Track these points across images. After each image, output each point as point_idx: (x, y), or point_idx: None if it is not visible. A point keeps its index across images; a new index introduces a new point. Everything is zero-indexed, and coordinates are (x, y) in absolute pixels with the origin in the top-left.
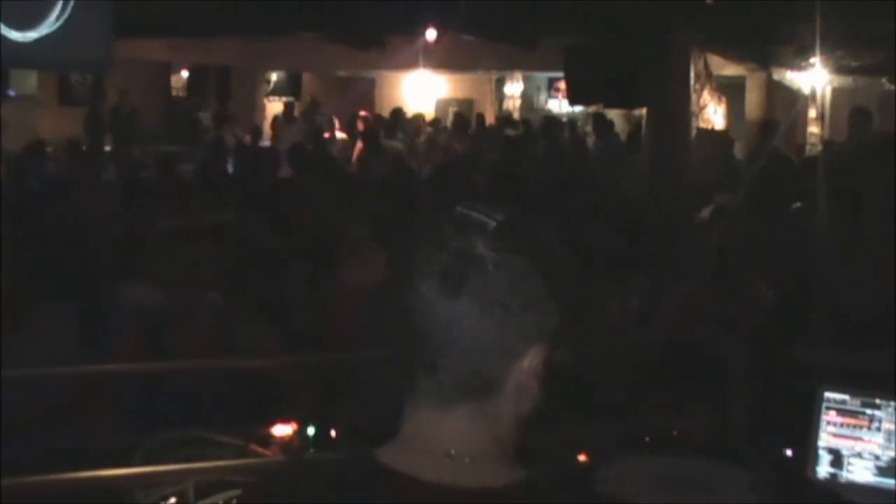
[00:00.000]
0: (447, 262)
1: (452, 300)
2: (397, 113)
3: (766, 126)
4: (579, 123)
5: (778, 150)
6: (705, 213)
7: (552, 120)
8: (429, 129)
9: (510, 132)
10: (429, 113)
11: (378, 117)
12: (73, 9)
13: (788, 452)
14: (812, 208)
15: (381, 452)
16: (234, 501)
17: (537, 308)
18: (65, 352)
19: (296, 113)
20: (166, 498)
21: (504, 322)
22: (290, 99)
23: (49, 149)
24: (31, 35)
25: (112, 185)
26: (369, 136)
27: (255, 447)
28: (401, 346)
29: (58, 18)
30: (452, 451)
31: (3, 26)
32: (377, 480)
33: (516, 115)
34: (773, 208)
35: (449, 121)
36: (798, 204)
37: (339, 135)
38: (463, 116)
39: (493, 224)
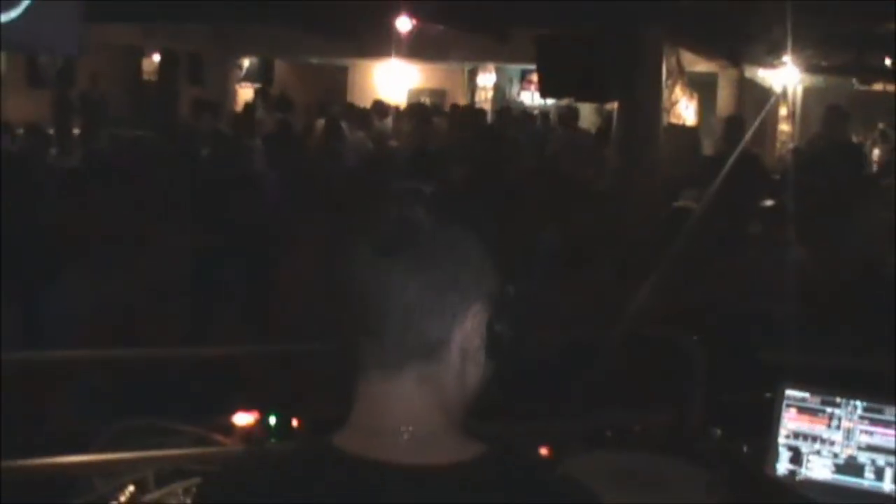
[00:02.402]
0: (385, 227)
1: (390, 262)
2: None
3: (734, 122)
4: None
5: (747, 148)
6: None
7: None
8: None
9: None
10: (400, 102)
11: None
12: None
13: (747, 449)
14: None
15: (335, 436)
16: (194, 490)
17: (473, 269)
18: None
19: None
20: (125, 486)
21: (440, 282)
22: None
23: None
24: (1, 16)
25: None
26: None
27: (215, 436)
28: (344, 315)
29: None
30: (404, 429)
31: None
32: (332, 465)
33: (487, 107)
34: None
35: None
36: (769, 202)
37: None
38: (424, 109)
39: (427, 190)
